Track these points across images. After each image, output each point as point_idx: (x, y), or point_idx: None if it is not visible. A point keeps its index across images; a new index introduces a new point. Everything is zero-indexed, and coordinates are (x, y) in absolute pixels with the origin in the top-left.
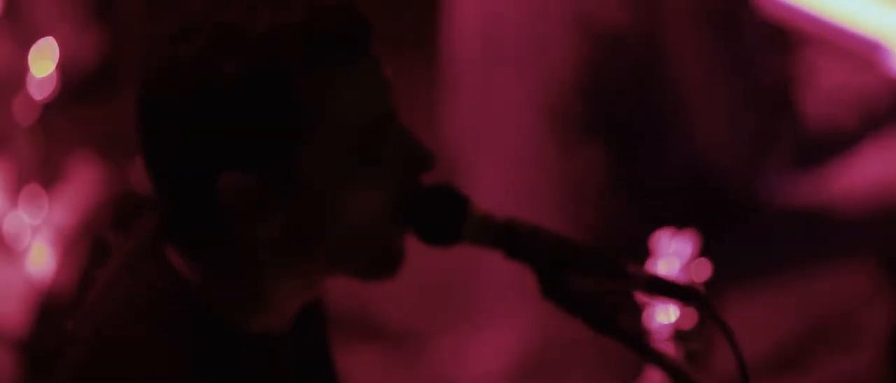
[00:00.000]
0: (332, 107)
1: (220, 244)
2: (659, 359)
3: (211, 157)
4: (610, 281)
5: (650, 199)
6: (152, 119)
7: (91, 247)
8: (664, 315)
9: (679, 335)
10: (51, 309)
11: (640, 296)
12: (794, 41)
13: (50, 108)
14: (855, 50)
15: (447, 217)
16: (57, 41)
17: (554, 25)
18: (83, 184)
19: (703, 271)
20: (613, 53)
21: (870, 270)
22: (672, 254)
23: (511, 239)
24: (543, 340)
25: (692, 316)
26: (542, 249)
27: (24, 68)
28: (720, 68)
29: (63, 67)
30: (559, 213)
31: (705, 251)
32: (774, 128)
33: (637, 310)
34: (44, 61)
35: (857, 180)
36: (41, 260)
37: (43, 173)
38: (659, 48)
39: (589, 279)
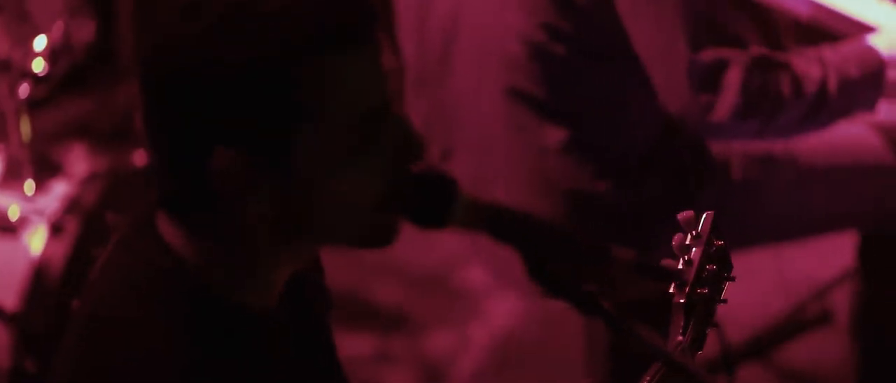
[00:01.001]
0: (331, 94)
1: (214, 220)
2: (643, 341)
3: (206, 133)
4: (595, 263)
5: (617, 177)
6: (153, 90)
7: (85, 223)
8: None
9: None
10: (40, 284)
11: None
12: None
13: (42, 98)
14: (837, 29)
15: (436, 201)
16: (52, 29)
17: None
18: (78, 173)
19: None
20: (574, 23)
21: (846, 249)
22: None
23: (498, 222)
24: (530, 324)
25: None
26: (529, 232)
27: (18, 57)
28: (677, 26)
29: (58, 56)
30: (526, 199)
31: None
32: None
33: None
34: (35, 50)
35: (819, 141)
36: (38, 242)
37: (37, 161)
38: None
39: (575, 261)
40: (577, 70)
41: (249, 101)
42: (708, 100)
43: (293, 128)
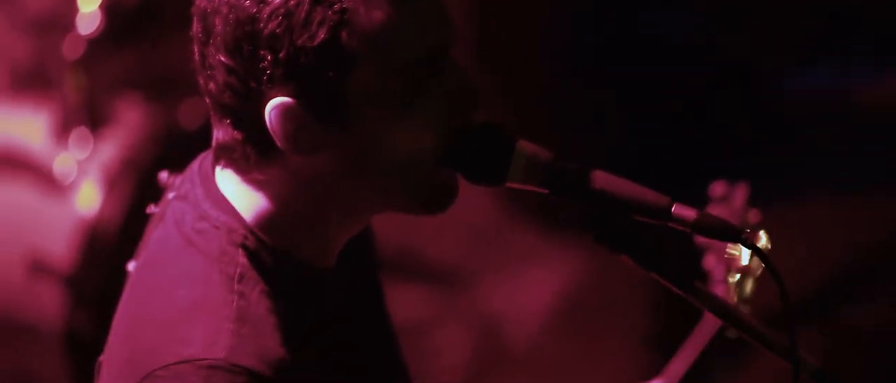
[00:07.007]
0: (384, 40)
1: (272, 174)
2: (703, 297)
3: (262, 81)
4: (655, 219)
5: None
6: (205, 40)
7: (137, 184)
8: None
9: (734, 275)
10: (96, 244)
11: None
12: None
13: (96, 50)
14: None
15: (493, 155)
16: None
17: None
18: (129, 125)
19: (753, 218)
20: None
21: None
22: (726, 201)
23: (557, 179)
24: (590, 277)
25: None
26: (588, 189)
27: (70, 9)
28: None
29: (108, 7)
30: None
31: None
32: None
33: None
34: (90, 1)
35: None
36: (89, 198)
37: (90, 114)
38: None
39: (634, 217)
40: None
41: (302, 47)
42: None
43: (345, 71)
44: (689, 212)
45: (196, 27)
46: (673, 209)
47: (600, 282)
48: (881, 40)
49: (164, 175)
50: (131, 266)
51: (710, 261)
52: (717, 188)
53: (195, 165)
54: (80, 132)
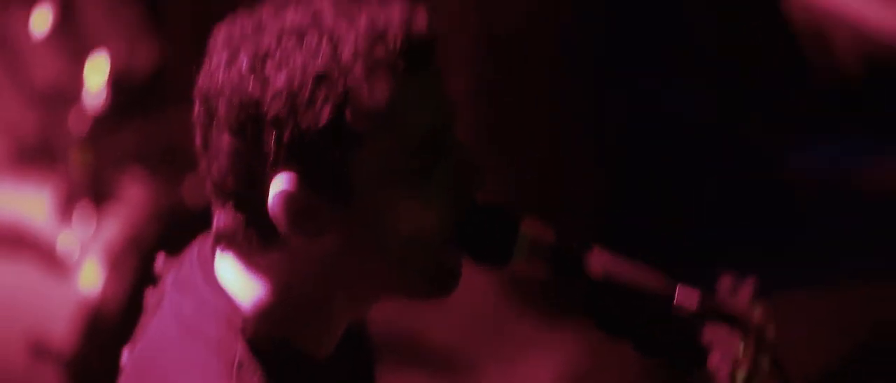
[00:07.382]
0: (389, 119)
1: (274, 258)
2: None
3: (262, 165)
4: (657, 303)
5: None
6: (208, 120)
7: (140, 264)
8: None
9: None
10: (98, 326)
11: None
12: None
13: (102, 124)
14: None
15: (499, 236)
16: (109, 55)
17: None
18: (133, 201)
19: (758, 313)
20: None
21: None
22: (733, 296)
23: (559, 260)
24: (589, 364)
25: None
26: (590, 272)
27: (77, 83)
28: None
29: (115, 82)
30: None
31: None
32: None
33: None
34: (97, 75)
35: None
36: (92, 277)
37: (94, 190)
38: None
39: (636, 301)
40: None
41: (306, 128)
42: None
43: (351, 153)
44: (691, 297)
45: (199, 110)
46: (676, 293)
47: (602, 367)
48: (884, 120)
49: (160, 261)
50: (126, 354)
51: (714, 360)
52: (724, 282)
53: (193, 250)
54: (83, 209)
